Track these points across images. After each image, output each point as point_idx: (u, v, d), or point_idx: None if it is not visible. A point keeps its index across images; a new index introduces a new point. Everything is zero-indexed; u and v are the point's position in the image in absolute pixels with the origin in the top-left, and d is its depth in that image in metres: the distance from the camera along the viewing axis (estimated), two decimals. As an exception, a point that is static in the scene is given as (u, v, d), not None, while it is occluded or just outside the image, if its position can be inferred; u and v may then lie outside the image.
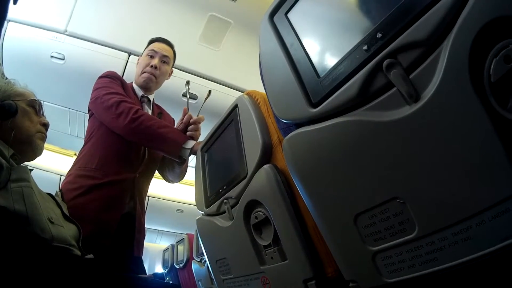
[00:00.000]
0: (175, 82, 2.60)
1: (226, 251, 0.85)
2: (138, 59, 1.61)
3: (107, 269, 0.79)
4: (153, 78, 1.49)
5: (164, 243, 4.87)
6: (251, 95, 0.77)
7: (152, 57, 1.51)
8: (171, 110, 2.80)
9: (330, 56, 0.50)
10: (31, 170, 0.89)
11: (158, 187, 4.68)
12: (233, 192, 0.77)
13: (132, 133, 1.26)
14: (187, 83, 1.56)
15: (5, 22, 2.16)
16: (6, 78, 0.99)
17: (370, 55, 0.43)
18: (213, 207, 0.86)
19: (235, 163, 0.77)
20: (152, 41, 1.57)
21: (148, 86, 1.50)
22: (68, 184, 1.28)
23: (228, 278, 0.86)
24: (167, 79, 1.62)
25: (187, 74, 2.59)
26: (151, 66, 1.48)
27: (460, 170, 0.38)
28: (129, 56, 2.48)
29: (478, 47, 0.35)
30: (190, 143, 1.26)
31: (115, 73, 1.48)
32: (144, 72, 1.49)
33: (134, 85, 1.53)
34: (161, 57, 1.52)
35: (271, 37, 0.60)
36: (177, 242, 2.94)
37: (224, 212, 0.81)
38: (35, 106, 0.97)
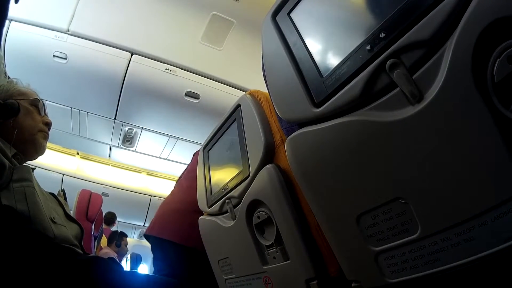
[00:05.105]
0: (177, 82, 2.60)
1: (228, 250, 0.85)
2: None
3: (107, 266, 0.79)
4: None
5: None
6: (253, 95, 0.77)
7: None
8: (172, 109, 2.81)
9: (333, 56, 0.50)
10: (33, 169, 0.89)
11: (160, 187, 4.72)
12: (236, 192, 0.77)
13: None
14: None
15: (7, 22, 2.16)
16: (9, 77, 0.99)
17: (373, 55, 0.43)
18: (216, 207, 0.86)
19: (238, 162, 0.77)
20: None
21: None
22: None
23: (230, 278, 0.86)
24: None
25: (189, 73, 2.59)
26: None
27: (463, 171, 0.37)
28: (131, 55, 2.48)
29: (482, 47, 0.35)
30: None
31: None
32: None
33: None
34: None
35: (274, 36, 0.59)
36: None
37: (227, 211, 0.81)
38: (38, 105, 0.97)
